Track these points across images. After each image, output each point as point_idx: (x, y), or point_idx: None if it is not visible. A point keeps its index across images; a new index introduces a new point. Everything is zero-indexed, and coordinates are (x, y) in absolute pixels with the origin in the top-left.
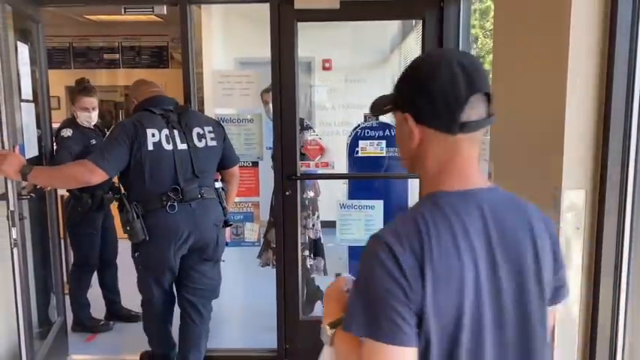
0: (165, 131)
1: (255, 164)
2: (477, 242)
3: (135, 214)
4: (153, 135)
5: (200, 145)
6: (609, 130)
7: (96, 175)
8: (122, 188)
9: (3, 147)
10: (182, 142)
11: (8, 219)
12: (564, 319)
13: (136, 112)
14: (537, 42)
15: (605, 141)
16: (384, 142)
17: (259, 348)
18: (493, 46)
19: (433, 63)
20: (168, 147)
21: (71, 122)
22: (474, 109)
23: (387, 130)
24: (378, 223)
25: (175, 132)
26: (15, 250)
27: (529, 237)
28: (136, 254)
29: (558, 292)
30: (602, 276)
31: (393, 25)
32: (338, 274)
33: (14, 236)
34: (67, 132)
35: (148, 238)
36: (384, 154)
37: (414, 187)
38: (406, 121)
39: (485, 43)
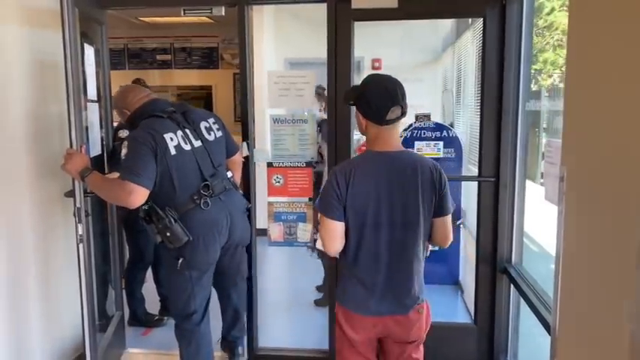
0: (180, 132)
1: (308, 164)
2: (383, 176)
3: (172, 219)
4: (171, 139)
5: (210, 138)
6: None
7: (137, 195)
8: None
9: (71, 146)
10: (196, 140)
11: (75, 215)
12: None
13: (136, 120)
14: (623, 34)
15: None
16: (441, 142)
17: (310, 348)
18: (567, 42)
19: (371, 84)
20: (187, 147)
21: None
22: (393, 113)
23: (445, 131)
24: None
25: (187, 131)
26: (80, 246)
27: (416, 174)
28: (180, 260)
29: (442, 209)
30: None
31: (446, 24)
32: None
33: (80, 232)
34: (124, 133)
35: (191, 238)
36: (440, 155)
37: (468, 189)
38: (358, 114)
39: (537, 42)
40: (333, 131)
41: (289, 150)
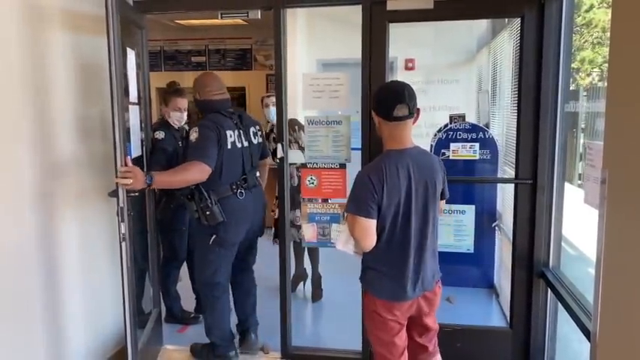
0: (236, 132)
1: (342, 166)
2: (407, 171)
3: (213, 200)
4: (230, 136)
5: (255, 141)
6: None
7: (206, 173)
8: None
9: (115, 148)
10: (245, 140)
11: (118, 215)
12: None
13: (200, 107)
14: None
15: None
16: (476, 144)
17: (344, 349)
18: (610, 41)
19: (382, 87)
20: (239, 145)
21: (162, 124)
22: (400, 111)
23: (480, 133)
24: (468, 229)
25: (240, 132)
26: (123, 244)
27: (431, 166)
28: (213, 237)
29: (444, 193)
30: None
31: (481, 23)
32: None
33: (123, 231)
34: (160, 134)
35: (225, 219)
36: (476, 157)
37: (504, 191)
38: (375, 115)
39: (575, 40)
40: (367, 135)
41: (323, 151)
